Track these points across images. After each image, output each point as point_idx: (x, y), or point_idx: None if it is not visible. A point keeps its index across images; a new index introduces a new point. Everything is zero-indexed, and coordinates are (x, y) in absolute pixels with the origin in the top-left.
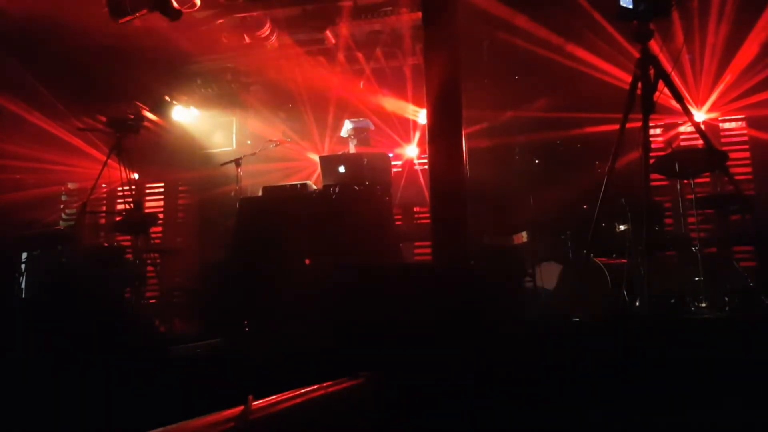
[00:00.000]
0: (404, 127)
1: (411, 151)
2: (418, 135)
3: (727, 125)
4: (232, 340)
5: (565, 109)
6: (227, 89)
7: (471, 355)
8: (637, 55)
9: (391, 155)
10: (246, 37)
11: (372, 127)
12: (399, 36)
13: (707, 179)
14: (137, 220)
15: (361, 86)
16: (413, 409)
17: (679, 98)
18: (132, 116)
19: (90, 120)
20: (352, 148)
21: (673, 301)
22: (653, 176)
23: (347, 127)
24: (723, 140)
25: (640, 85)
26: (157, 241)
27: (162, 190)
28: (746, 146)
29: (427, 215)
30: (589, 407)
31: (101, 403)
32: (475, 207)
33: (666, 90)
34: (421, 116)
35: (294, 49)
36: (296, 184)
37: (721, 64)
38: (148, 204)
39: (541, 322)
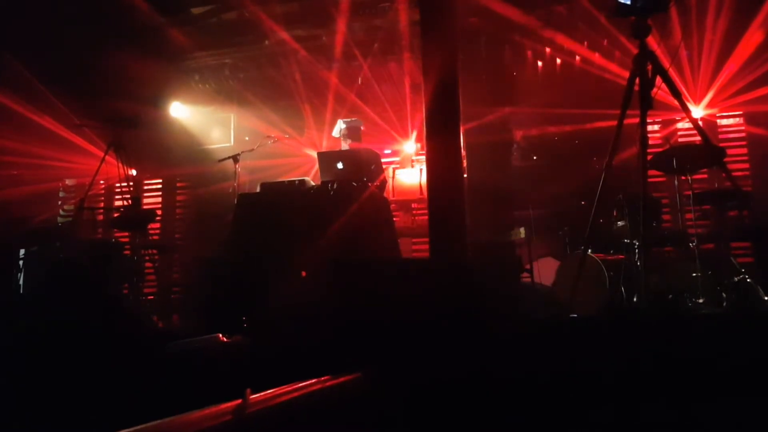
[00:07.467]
0: (402, 123)
1: (409, 147)
2: (416, 131)
3: (724, 121)
4: (230, 335)
5: (563, 106)
6: (225, 85)
7: (469, 351)
8: (634, 50)
9: (388, 151)
10: (245, 33)
11: (362, 126)
12: (397, 32)
13: (705, 175)
14: (135, 217)
15: (359, 82)
16: (410, 404)
17: (676, 94)
18: (130, 112)
19: (88, 116)
20: (345, 146)
21: (670, 297)
22: (651, 172)
23: (339, 126)
24: (720, 136)
25: (638, 81)
26: (155, 237)
27: (160, 186)
28: (744, 142)
29: (425, 211)
30: (586, 404)
31: (99, 398)
32: (473, 203)
33: (664, 86)
34: (420, 112)
35: (292, 45)
36: (294, 181)
37: (719, 60)
38: (146, 200)
39: (539, 319)
